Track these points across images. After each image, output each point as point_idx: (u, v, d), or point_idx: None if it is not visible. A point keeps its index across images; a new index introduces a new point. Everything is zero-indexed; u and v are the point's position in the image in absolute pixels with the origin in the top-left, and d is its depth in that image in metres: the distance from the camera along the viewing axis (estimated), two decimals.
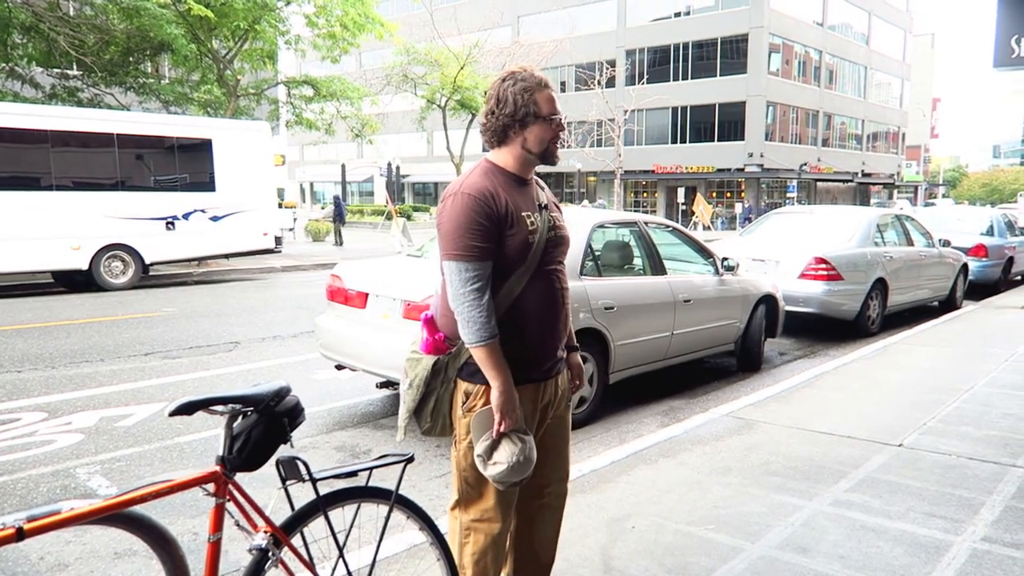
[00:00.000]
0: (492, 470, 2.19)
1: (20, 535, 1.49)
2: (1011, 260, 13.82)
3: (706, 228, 33.28)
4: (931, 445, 4.65)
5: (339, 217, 25.62)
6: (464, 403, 2.28)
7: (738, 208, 43.11)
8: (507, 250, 2.18)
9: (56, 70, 17.74)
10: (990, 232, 13.56)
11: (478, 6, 44.21)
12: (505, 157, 2.28)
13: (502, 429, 2.18)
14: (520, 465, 2.18)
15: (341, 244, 25.00)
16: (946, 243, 11.03)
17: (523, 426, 2.24)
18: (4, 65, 17.00)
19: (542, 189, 2.39)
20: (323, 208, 30.72)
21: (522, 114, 2.20)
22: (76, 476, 4.26)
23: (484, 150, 2.35)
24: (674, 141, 47.25)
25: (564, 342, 2.44)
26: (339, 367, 5.72)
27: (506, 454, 2.18)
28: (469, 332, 2.15)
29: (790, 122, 46.75)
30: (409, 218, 32.55)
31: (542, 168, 2.40)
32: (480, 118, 2.33)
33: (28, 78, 17.65)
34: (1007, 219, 14.51)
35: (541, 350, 2.31)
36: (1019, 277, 14.78)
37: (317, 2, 19.73)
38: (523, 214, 2.21)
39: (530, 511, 2.50)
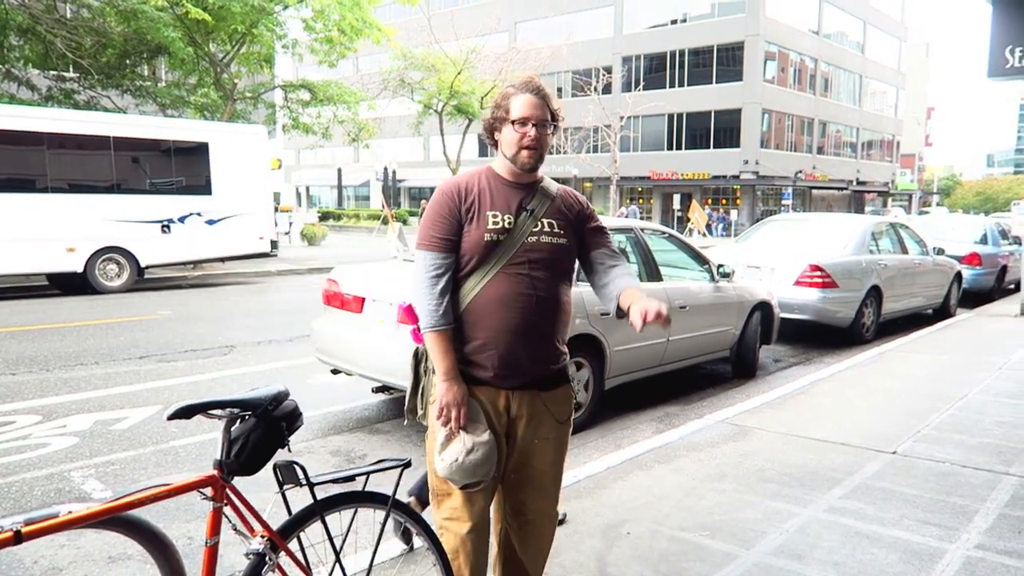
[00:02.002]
0: (439, 465, 2.22)
1: (18, 538, 1.49)
2: (1004, 268, 13.89)
3: (701, 235, 33.36)
4: (925, 452, 4.67)
5: None
6: (432, 395, 2.33)
7: (733, 215, 43.19)
8: (463, 246, 2.22)
9: (53, 72, 17.71)
10: (984, 241, 13.63)
11: (476, 12, 44.34)
12: (497, 160, 2.35)
13: (448, 423, 2.19)
14: (464, 467, 2.17)
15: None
16: (940, 251, 11.08)
17: (478, 426, 2.21)
18: (1, 67, 16.97)
19: (551, 199, 2.33)
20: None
21: (495, 116, 2.29)
22: (70, 479, 4.25)
23: (480, 155, 2.38)
24: (670, 148, 47.39)
25: (548, 355, 2.34)
26: (335, 371, 5.71)
27: (451, 452, 2.19)
28: (421, 318, 2.24)
29: (785, 130, 46.95)
30: (405, 223, 32.55)
31: (539, 172, 2.39)
32: None
33: (24, 80, 17.63)
34: (1000, 228, 14.58)
35: (495, 355, 2.23)
36: (1012, 285, 14.83)
37: (315, 6, 19.74)
38: (488, 212, 2.22)
39: (516, 524, 2.48)
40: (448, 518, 2.34)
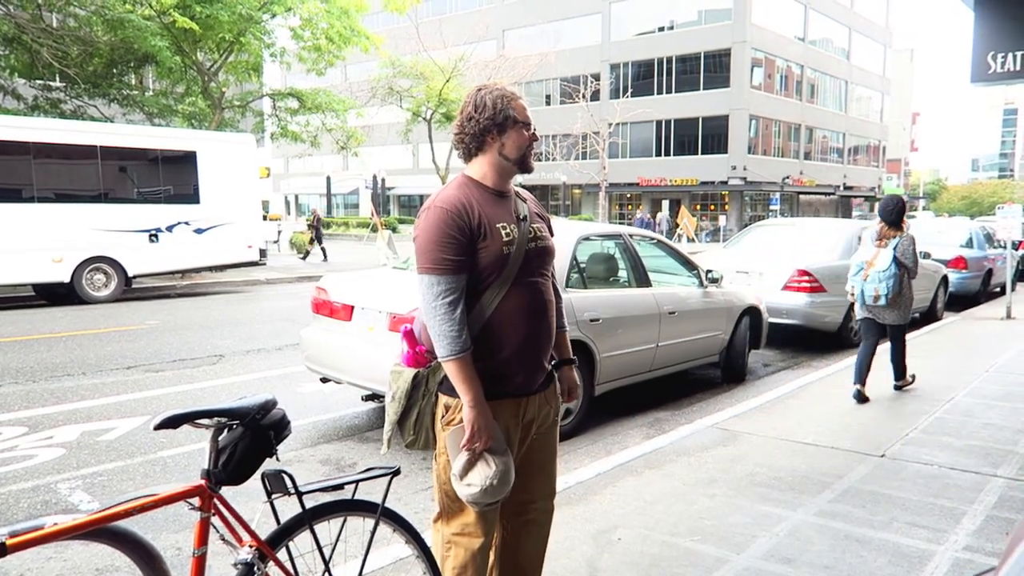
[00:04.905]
0: (465, 491, 2.18)
1: (3, 551, 1.48)
2: (990, 272, 13.99)
3: (690, 240, 33.49)
4: (913, 455, 4.70)
5: None
6: (443, 417, 2.27)
7: (721, 221, 43.37)
8: (480, 262, 2.17)
9: (39, 82, 17.63)
10: (969, 244, 13.74)
11: (464, 20, 44.46)
12: (481, 168, 2.27)
13: (474, 447, 2.15)
14: (493, 488, 2.15)
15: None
16: (926, 255, 11.15)
17: (500, 446, 2.20)
18: None
19: (524, 201, 2.37)
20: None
21: (502, 118, 2.21)
22: (57, 491, 4.21)
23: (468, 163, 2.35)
24: (658, 154, 47.59)
25: (549, 355, 2.40)
26: (324, 380, 5.70)
27: (479, 476, 2.15)
28: (440, 346, 2.14)
29: (772, 135, 47.24)
30: (394, 230, 32.49)
31: (528, 179, 2.41)
32: (454, 127, 2.29)
33: (10, 90, 17.54)
34: (986, 232, 14.69)
35: (522, 364, 2.26)
36: (998, 289, 14.95)
37: (303, 15, 19.76)
38: (498, 225, 2.20)
39: (515, 526, 2.48)
40: (459, 533, 2.31)
